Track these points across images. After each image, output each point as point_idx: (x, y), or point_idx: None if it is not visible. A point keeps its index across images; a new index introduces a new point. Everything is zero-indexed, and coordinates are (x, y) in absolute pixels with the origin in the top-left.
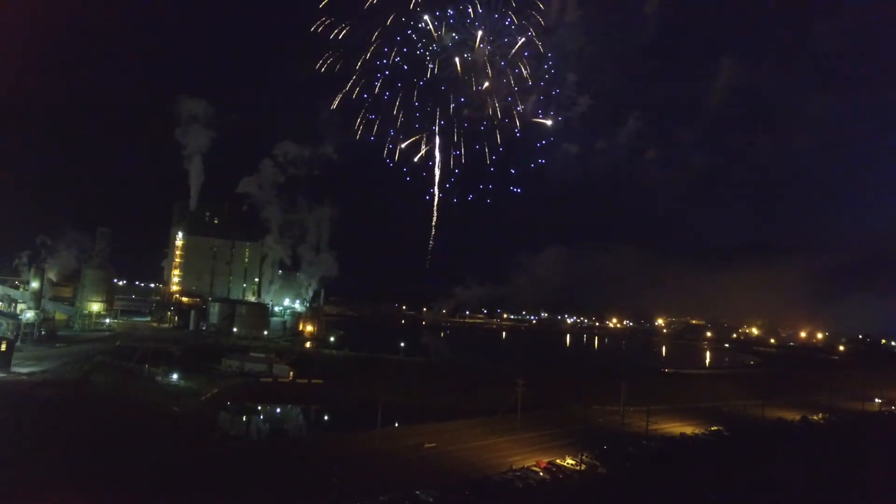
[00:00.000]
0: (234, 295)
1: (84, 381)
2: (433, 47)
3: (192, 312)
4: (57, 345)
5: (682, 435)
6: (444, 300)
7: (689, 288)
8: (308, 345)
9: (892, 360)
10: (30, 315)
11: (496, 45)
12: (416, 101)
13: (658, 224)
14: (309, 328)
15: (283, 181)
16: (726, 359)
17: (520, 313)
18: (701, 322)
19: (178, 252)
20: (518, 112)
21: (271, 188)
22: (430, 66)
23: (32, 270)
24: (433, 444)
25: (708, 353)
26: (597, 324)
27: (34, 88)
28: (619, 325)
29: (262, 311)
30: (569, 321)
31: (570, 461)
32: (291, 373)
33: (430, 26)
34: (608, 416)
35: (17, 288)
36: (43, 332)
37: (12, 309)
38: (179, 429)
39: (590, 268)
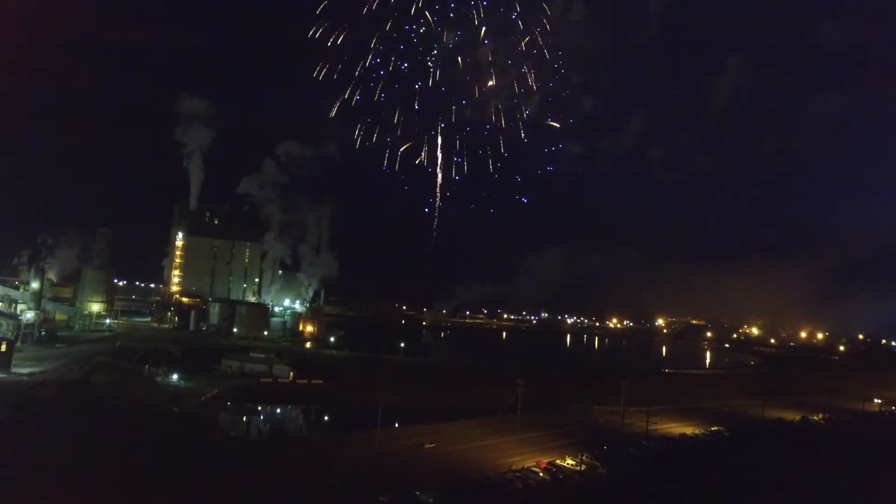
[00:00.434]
0: (235, 295)
1: (84, 382)
2: (434, 52)
3: (193, 313)
4: (57, 345)
5: (683, 435)
6: (444, 300)
7: (689, 288)
8: (308, 345)
9: (892, 360)
10: (30, 315)
11: (500, 45)
12: (417, 106)
13: (658, 224)
14: (309, 328)
15: (283, 181)
16: (726, 359)
17: (520, 313)
18: (701, 322)
19: (178, 252)
20: (523, 116)
21: (272, 188)
22: (432, 69)
23: (32, 271)
24: (433, 445)
25: (708, 354)
26: (597, 324)
27: (34, 88)
28: (619, 326)
29: (262, 312)
30: (569, 321)
31: (570, 461)
32: (291, 373)
33: (432, 26)
34: (608, 417)
35: (17, 288)
36: (43, 333)
37: (12, 309)
38: (179, 429)
39: (590, 268)
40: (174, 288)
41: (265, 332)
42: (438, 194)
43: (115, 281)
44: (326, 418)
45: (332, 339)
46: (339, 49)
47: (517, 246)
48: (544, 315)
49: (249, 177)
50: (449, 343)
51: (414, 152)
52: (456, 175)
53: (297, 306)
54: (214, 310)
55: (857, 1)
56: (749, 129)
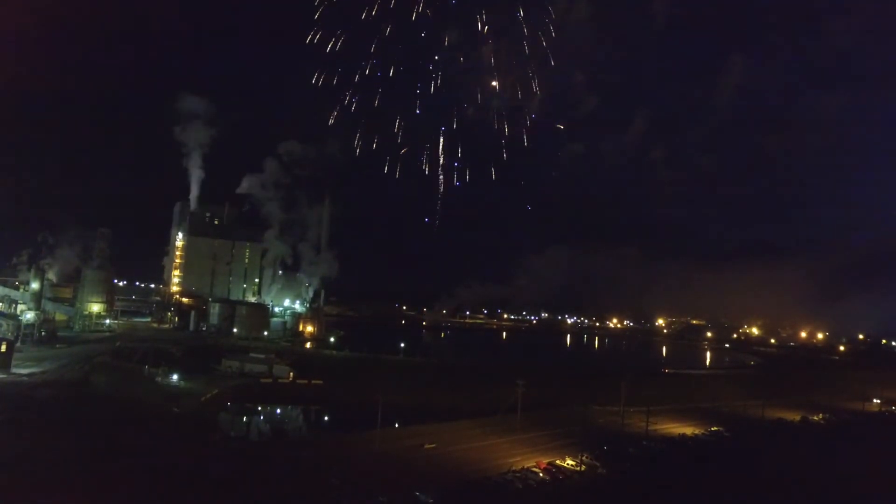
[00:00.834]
0: (234, 295)
1: (84, 382)
2: (436, 57)
3: (193, 313)
4: (57, 345)
5: (682, 435)
6: (444, 300)
7: (689, 288)
8: (308, 345)
9: (892, 360)
10: (30, 316)
11: (502, 46)
12: (418, 111)
13: (658, 224)
14: (309, 329)
15: (284, 181)
16: (726, 359)
17: (520, 314)
18: (701, 322)
19: (178, 253)
20: (525, 119)
21: (272, 187)
22: (433, 73)
23: (32, 271)
24: (433, 445)
25: (708, 354)
26: (597, 324)
27: (34, 87)
28: (619, 326)
29: (262, 312)
30: (569, 321)
31: (570, 462)
32: (291, 373)
33: (433, 29)
34: (608, 417)
35: (17, 288)
36: (43, 333)
37: (12, 310)
38: (179, 430)
39: (590, 268)
40: (174, 288)
41: (265, 333)
42: (440, 195)
43: (115, 281)
44: (326, 418)
45: (332, 340)
46: (338, 54)
47: (518, 246)
48: (544, 315)
49: (250, 176)
50: (449, 343)
51: (415, 155)
52: (457, 181)
53: (297, 306)
54: (214, 310)
55: (860, 1)
56: (750, 129)
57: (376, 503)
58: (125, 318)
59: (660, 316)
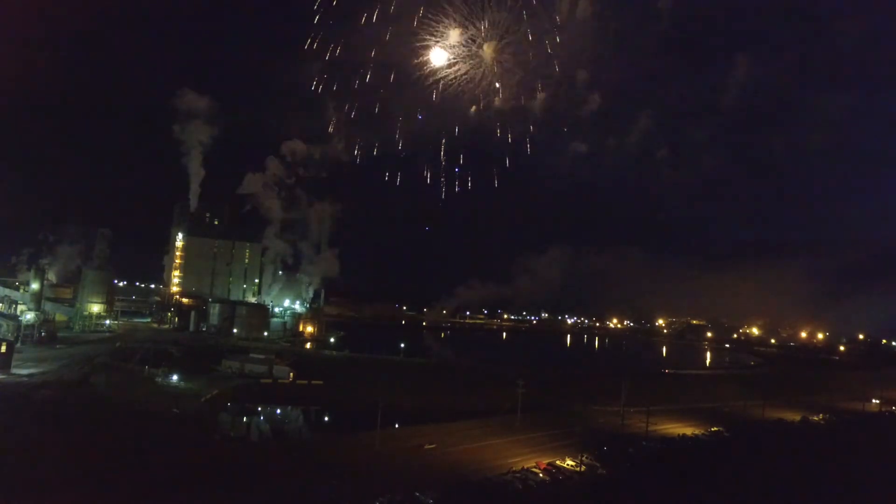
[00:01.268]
0: (234, 296)
1: (84, 383)
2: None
3: (193, 313)
4: (57, 346)
5: (682, 436)
6: (444, 301)
7: (689, 288)
8: (308, 346)
9: (892, 360)
10: (30, 316)
11: (505, 44)
12: (420, 115)
13: (659, 224)
14: (309, 329)
15: (284, 181)
16: (726, 359)
17: (520, 314)
18: (701, 322)
19: (178, 253)
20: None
21: (273, 187)
22: (433, 77)
23: (32, 271)
24: (433, 446)
25: (708, 354)
26: (597, 324)
27: (34, 87)
28: (619, 326)
29: (262, 312)
30: (569, 321)
31: (569, 462)
32: (291, 374)
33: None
34: (608, 417)
35: (17, 289)
36: (43, 334)
37: (12, 310)
38: (179, 430)
39: (590, 268)
40: (174, 288)
41: (265, 333)
42: (441, 198)
43: (115, 282)
44: (326, 419)
45: (332, 340)
46: (336, 60)
47: (518, 247)
48: (544, 315)
49: (251, 175)
50: (449, 344)
51: (415, 157)
52: (458, 184)
53: (298, 307)
54: (214, 311)
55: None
56: (751, 130)
57: (376, 503)
58: (125, 319)
59: (660, 316)
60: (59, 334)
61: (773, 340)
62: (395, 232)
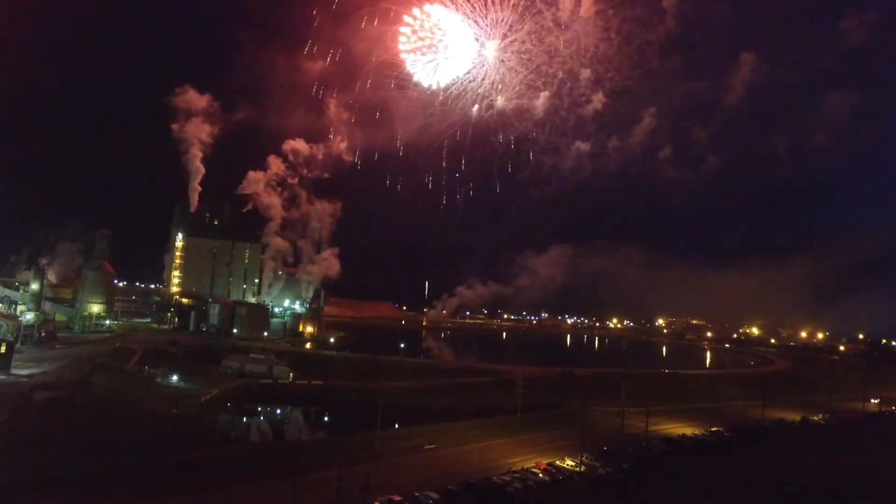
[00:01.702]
0: (234, 296)
1: (84, 383)
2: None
3: (192, 314)
4: (57, 346)
5: (683, 436)
6: (444, 301)
7: (689, 288)
8: (308, 346)
9: (893, 360)
10: (30, 317)
11: (509, 43)
12: (421, 116)
13: (659, 224)
14: (309, 329)
15: (285, 181)
16: (727, 359)
17: (520, 314)
18: (701, 322)
19: (178, 253)
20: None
21: (273, 187)
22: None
23: (32, 271)
24: (433, 446)
25: (708, 354)
26: (597, 324)
27: (34, 87)
28: (619, 326)
29: (262, 313)
30: (569, 321)
31: (569, 462)
32: (291, 374)
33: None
34: (608, 417)
35: (17, 289)
36: (43, 334)
37: (12, 310)
38: (179, 430)
39: (590, 268)
40: (174, 289)
41: (265, 333)
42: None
43: (115, 282)
44: (326, 419)
45: (332, 340)
46: (335, 66)
47: (518, 247)
48: (544, 315)
49: (253, 174)
50: (449, 344)
51: (416, 161)
52: (458, 186)
53: (297, 307)
54: (214, 311)
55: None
56: (751, 130)
57: (377, 503)
58: (125, 319)
59: (660, 316)
60: (59, 334)
61: (773, 340)
62: (394, 232)
